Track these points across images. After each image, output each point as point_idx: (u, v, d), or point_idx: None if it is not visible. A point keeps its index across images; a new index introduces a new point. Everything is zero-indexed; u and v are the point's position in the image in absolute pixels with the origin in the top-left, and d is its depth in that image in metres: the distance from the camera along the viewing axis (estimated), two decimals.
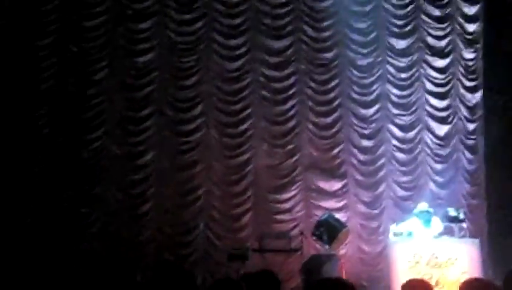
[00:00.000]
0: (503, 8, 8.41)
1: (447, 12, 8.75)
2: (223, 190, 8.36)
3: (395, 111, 8.64)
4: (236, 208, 8.31)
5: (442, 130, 8.60)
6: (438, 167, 8.48)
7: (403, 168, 8.51)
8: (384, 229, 8.05)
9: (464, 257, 6.59)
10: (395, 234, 6.96)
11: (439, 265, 6.54)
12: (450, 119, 8.62)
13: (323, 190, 8.39)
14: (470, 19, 8.74)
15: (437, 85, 8.70)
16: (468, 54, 8.71)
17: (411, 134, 8.60)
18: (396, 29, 8.75)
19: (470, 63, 8.70)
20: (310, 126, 8.57)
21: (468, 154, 8.51)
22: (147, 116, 8.44)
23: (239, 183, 8.38)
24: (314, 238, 7.41)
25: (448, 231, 7.04)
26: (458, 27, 8.74)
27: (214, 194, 8.34)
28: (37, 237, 7.75)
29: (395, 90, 8.68)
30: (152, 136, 8.41)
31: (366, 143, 8.55)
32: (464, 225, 7.23)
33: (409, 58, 8.70)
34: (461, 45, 8.72)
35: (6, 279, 6.86)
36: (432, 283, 6.12)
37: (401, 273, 6.52)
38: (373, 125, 8.58)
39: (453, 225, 7.09)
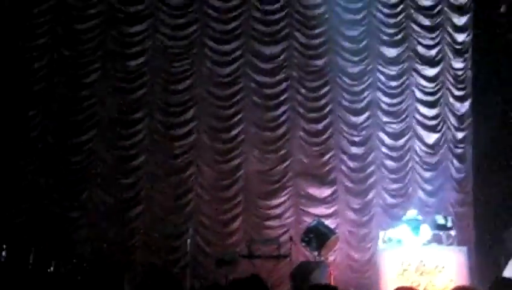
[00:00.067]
0: (492, 19, 8.52)
1: (437, 22, 8.86)
2: (213, 195, 8.36)
3: (385, 119, 8.71)
4: (226, 213, 8.31)
5: (431, 138, 8.68)
6: (427, 174, 8.55)
7: (392, 176, 8.57)
8: (373, 236, 8.09)
9: (451, 265, 6.65)
10: (385, 241, 6.99)
11: (427, 272, 6.59)
12: (439, 127, 8.71)
13: (313, 196, 8.42)
14: (459, 29, 8.86)
15: (427, 94, 8.79)
16: (458, 64, 8.81)
17: (401, 142, 8.67)
18: (387, 38, 8.84)
19: (459, 73, 8.80)
20: (301, 132, 8.60)
21: (456, 163, 8.59)
22: (138, 120, 8.43)
23: (229, 189, 8.39)
24: (303, 244, 7.42)
25: (436, 239, 7.09)
26: (448, 37, 8.85)
27: (204, 199, 8.33)
28: (25, 240, 7.67)
29: (385, 98, 8.76)
30: (143, 140, 8.39)
31: (356, 150, 8.61)
32: (452, 232, 7.28)
33: (399, 67, 8.79)
34: (451, 55, 8.82)
35: None
36: None
37: (390, 281, 6.56)
38: (363, 132, 8.64)
39: (441, 232, 7.14)
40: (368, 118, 8.67)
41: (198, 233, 8.09)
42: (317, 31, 8.78)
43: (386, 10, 8.87)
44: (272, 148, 8.54)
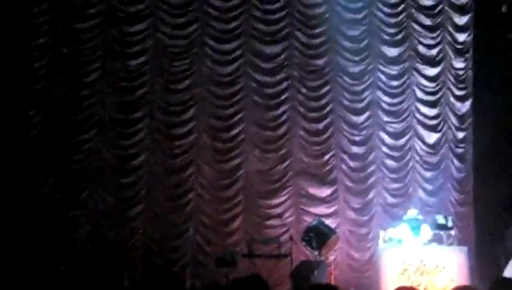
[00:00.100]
0: (493, 18, 8.51)
1: (438, 21, 8.85)
2: (213, 194, 8.35)
3: (386, 118, 8.70)
4: (226, 212, 8.30)
5: (432, 138, 8.67)
6: (427, 174, 8.55)
7: (393, 175, 8.56)
8: (373, 236, 8.09)
9: (452, 265, 6.65)
10: (385, 241, 6.99)
11: (427, 272, 6.58)
12: (439, 127, 8.70)
13: (314, 195, 8.41)
14: (460, 29, 8.84)
15: (427, 93, 8.78)
16: (458, 63, 8.80)
17: (401, 141, 8.66)
18: (388, 37, 8.82)
19: (460, 72, 8.79)
20: (301, 132, 8.59)
21: (457, 163, 8.58)
22: (138, 119, 8.42)
23: (230, 188, 8.38)
24: (303, 244, 7.42)
25: (436, 239, 7.09)
26: (449, 36, 8.83)
27: (204, 199, 8.32)
28: (26, 240, 7.68)
29: (386, 98, 8.75)
30: (143, 139, 8.39)
31: (356, 150, 8.60)
32: (452, 232, 7.28)
33: (400, 66, 8.77)
34: (451, 54, 8.81)
35: None
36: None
37: (390, 280, 6.56)
38: (364, 132, 8.63)
39: (441, 232, 7.14)
40: (368, 118, 8.66)
41: (198, 232, 8.09)
42: (317, 30, 8.77)
43: (386, 10, 8.86)
44: (272, 147, 8.54)
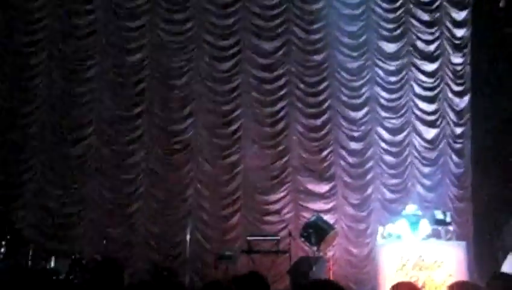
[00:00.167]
0: (491, 14, 8.51)
1: (436, 17, 8.84)
2: (212, 190, 8.35)
3: (384, 114, 8.70)
4: (225, 208, 8.31)
5: (430, 133, 8.68)
6: (426, 170, 8.56)
7: (391, 171, 8.58)
8: (371, 232, 8.11)
9: (450, 260, 6.66)
10: (384, 236, 7.00)
11: (426, 268, 6.59)
12: (438, 122, 8.71)
13: (312, 191, 8.42)
14: (458, 24, 8.84)
15: (425, 89, 8.78)
16: (457, 59, 8.80)
17: (399, 137, 8.67)
18: (386, 33, 8.82)
19: (458, 68, 8.79)
20: (300, 128, 8.60)
21: (455, 158, 8.60)
22: (136, 116, 8.41)
23: (228, 184, 8.38)
24: (302, 239, 7.43)
25: (435, 234, 7.10)
26: (447, 32, 8.83)
27: (203, 195, 8.33)
28: (24, 236, 7.66)
29: (384, 93, 8.75)
30: (142, 135, 8.38)
31: (354, 145, 8.60)
32: (451, 227, 7.30)
33: (398, 62, 8.77)
34: (450, 50, 8.81)
35: None
36: (419, 285, 6.17)
37: (388, 276, 6.57)
38: (362, 127, 8.64)
39: (439, 227, 7.15)
40: (366, 113, 8.67)
41: (197, 228, 8.09)
42: (315, 26, 8.75)
43: (385, 5, 8.85)
44: (271, 143, 8.53)
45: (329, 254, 7.81)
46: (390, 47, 8.79)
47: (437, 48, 8.81)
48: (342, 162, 8.54)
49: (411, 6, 8.83)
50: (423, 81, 8.78)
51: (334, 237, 7.63)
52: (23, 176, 8.10)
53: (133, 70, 8.47)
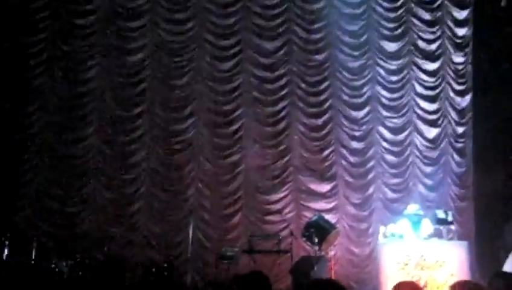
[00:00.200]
0: (492, 13, 8.49)
1: (437, 16, 8.83)
2: (213, 190, 8.35)
3: (385, 113, 8.69)
4: (226, 208, 8.31)
5: (431, 132, 8.67)
6: (427, 169, 8.55)
7: (393, 170, 8.57)
8: (373, 231, 8.10)
9: (452, 259, 6.65)
10: (386, 236, 6.99)
11: (427, 267, 6.58)
12: (439, 122, 8.70)
13: (314, 191, 8.41)
14: (460, 23, 8.83)
15: (427, 88, 8.77)
16: (458, 58, 8.79)
17: (401, 136, 8.66)
18: (387, 32, 8.81)
19: (460, 67, 8.78)
20: (301, 127, 8.59)
21: (457, 157, 8.59)
22: (137, 115, 8.42)
23: (230, 184, 8.38)
24: (304, 239, 7.42)
25: (436, 233, 7.09)
26: (448, 31, 8.82)
27: (204, 195, 8.32)
28: (26, 236, 7.67)
29: (385, 93, 8.74)
30: (143, 135, 8.38)
31: (356, 145, 8.60)
32: (453, 227, 7.27)
33: (400, 61, 8.76)
34: (451, 49, 8.80)
35: None
36: (420, 284, 6.16)
37: (390, 275, 6.55)
38: (363, 127, 8.63)
39: (441, 227, 7.14)
40: (368, 113, 8.66)
41: (198, 228, 8.09)
42: (317, 25, 8.75)
43: (386, 4, 8.84)
44: (272, 143, 8.53)
45: (331, 253, 7.79)
46: (391, 46, 8.79)
47: (438, 47, 8.80)
48: (343, 162, 8.53)
49: (412, 5, 8.82)
50: (424, 81, 8.77)
51: (335, 237, 7.61)
52: (25, 176, 8.10)
53: (134, 70, 8.47)
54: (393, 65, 8.77)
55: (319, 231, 7.27)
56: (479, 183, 8.33)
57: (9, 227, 7.58)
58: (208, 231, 8.21)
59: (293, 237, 7.50)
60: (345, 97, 8.69)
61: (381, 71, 8.74)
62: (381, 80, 8.73)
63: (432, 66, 8.78)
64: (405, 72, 8.76)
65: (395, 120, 8.69)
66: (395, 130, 8.67)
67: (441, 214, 7.22)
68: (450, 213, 7.36)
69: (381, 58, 8.75)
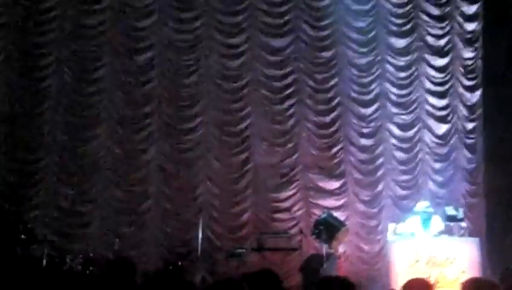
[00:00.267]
0: (502, 7, 8.41)
1: (446, 11, 8.76)
2: (222, 188, 8.36)
3: (394, 110, 8.64)
4: (235, 206, 8.31)
5: (441, 129, 8.61)
6: (437, 165, 8.49)
7: (402, 167, 8.52)
8: (383, 228, 8.06)
9: (463, 256, 6.61)
10: (396, 233, 6.96)
11: (438, 264, 6.54)
12: (449, 118, 8.63)
13: (323, 188, 8.40)
14: (469, 18, 8.75)
15: (436, 84, 8.71)
16: (468, 53, 8.72)
17: (410, 133, 8.61)
18: (395, 28, 8.75)
19: (469, 62, 8.70)
20: (309, 125, 8.57)
21: (467, 153, 8.52)
22: (146, 115, 8.45)
23: (238, 182, 8.38)
24: (313, 237, 7.42)
25: (447, 230, 7.05)
26: (457, 26, 8.74)
27: (213, 193, 8.34)
28: (36, 234, 7.73)
29: (394, 89, 8.69)
30: (152, 134, 8.41)
31: (365, 142, 8.56)
32: (463, 224, 7.23)
33: (408, 57, 8.70)
34: (460, 44, 8.73)
35: (3, 276, 6.85)
36: (431, 282, 6.13)
37: (400, 273, 6.53)
38: (372, 124, 8.59)
39: (452, 224, 7.09)
40: (376, 110, 8.62)
41: (208, 226, 8.11)
42: (324, 22, 8.71)
43: (394, 0, 8.78)
44: (281, 141, 8.52)
45: (341, 251, 7.78)
46: (399, 42, 8.73)
47: (447, 43, 8.72)
48: (352, 159, 8.50)
49: (421, 0, 8.75)
50: (434, 76, 8.71)
51: (345, 234, 7.60)
52: (36, 176, 8.17)
53: (143, 70, 8.50)
54: (401, 61, 8.71)
55: (328, 228, 7.27)
56: (490, 179, 8.26)
57: (21, 227, 7.65)
58: (218, 229, 8.22)
59: (302, 234, 7.50)
60: (354, 94, 8.65)
61: (390, 68, 8.69)
62: (390, 77, 8.69)
63: (441, 62, 8.71)
64: (414, 68, 8.70)
65: (404, 117, 8.64)
66: (404, 127, 8.62)
67: (451, 211, 7.18)
68: (460, 210, 7.32)
69: (389, 55, 8.70)
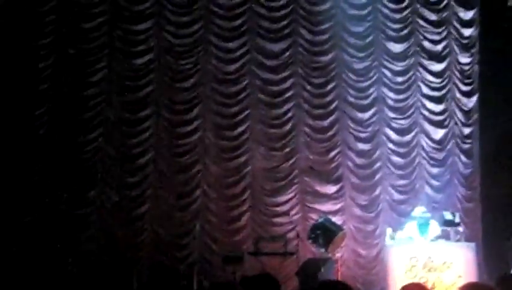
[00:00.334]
0: (498, 13, 8.46)
1: (443, 16, 8.81)
2: (219, 192, 8.36)
3: (391, 115, 8.67)
4: (232, 210, 8.31)
5: (438, 134, 8.64)
6: (434, 170, 8.52)
7: (399, 172, 8.54)
8: (380, 233, 8.08)
9: (459, 261, 6.62)
10: (393, 238, 6.96)
11: (435, 269, 6.56)
12: (446, 123, 8.67)
13: (320, 193, 8.40)
14: (466, 24, 8.79)
15: (433, 89, 8.75)
16: (464, 59, 8.76)
17: (407, 137, 8.64)
18: (392, 33, 8.79)
19: (466, 68, 8.75)
20: (307, 129, 8.58)
21: (463, 158, 8.55)
22: (144, 118, 8.44)
23: (236, 186, 8.38)
24: (310, 241, 7.41)
25: (444, 235, 7.06)
26: (454, 31, 8.79)
27: (211, 197, 8.33)
28: (33, 239, 7.71)
29: (391, 94, 8.72)
30: (149, 138, 8.40)
31: (362, 146, 8.58)
32: (460, 228, 7.25)
33: (405, 62, 8.74)
34: (457, 49, 8.77)
35: (3, 279, 6.83)
36: (428, 286, 6.14)
37: (397, 277, 6.54)
38: (369, 128, 8.61)
39: (448, 228, 7.11)
40: (374, 114, 8.64)
41: (205, 230, 8.10)
42: (322, 27, 8.74)
43: (391, 5, 8.82)
44: (278, 145, 8.53)
45: (338, 255, 7.77)
46: (397, 47, 8.77)
47: (444, 48, 8.77)
48: (350, 163, 8.52)
49: (418, 6, 8.79)
50: (431, 82, 8.75)
51: (342, 239, 7.60)
52: (32, 179, 8.13)
53: (141, 73, 8.50)
54: (399, 66, 8.75)
55: (325, 233, 7.27)
56: (486, 184, 8.29)
57: (16, 230, 7.63)
58: (214, 233, 8.21)
59: (299, 239, 7.49)
60: (351, 99, 8.67)
61: (387, 72, 8.72)
62: (387, 81, 8.72)
63: (438, 67, 8.75)
64: (411, 73, 8.73)
65: (401, 121, 8.67)
66: (401, 132, 8.65)
67: (448, 216, 7.21)
68: (457, 215, 7.34)
69: (386, 60, 8.73)
